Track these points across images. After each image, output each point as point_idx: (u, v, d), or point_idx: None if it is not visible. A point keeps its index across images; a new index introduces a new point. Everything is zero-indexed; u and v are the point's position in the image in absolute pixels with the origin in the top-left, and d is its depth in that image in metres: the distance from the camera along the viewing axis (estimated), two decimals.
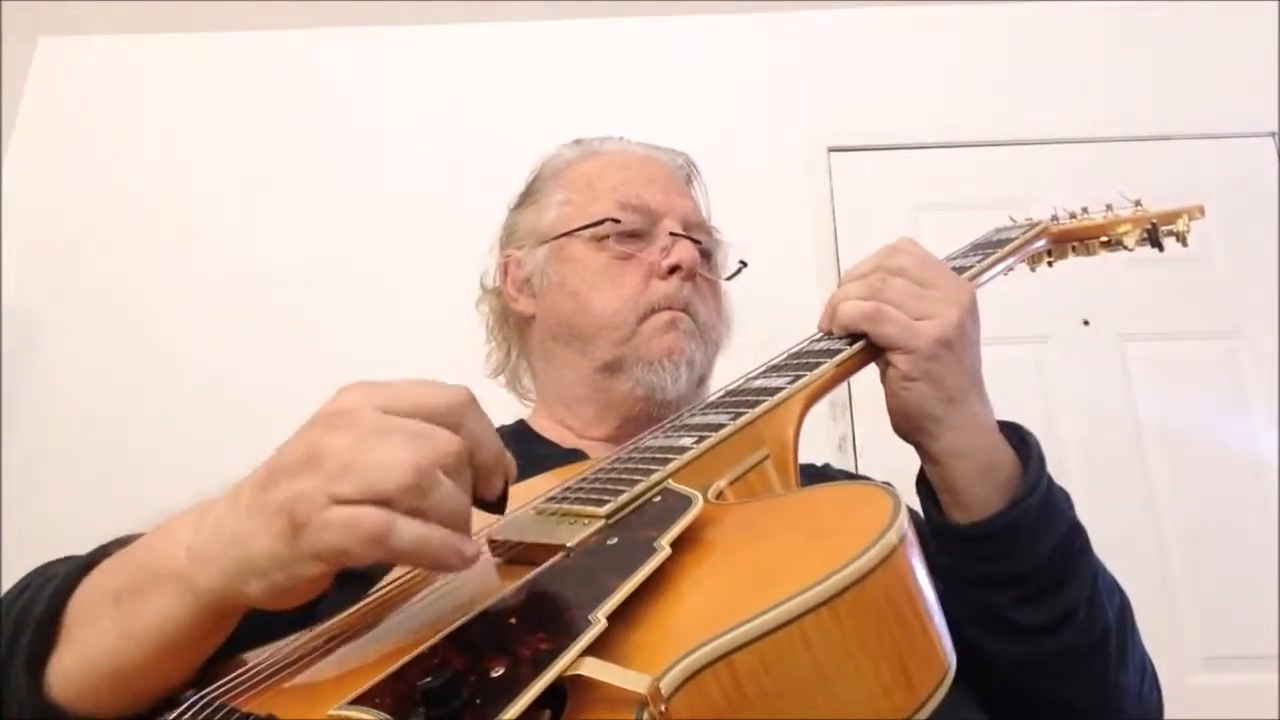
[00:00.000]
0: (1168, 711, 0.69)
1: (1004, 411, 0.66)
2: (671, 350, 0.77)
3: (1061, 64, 2.44)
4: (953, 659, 0.35)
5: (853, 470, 0.85)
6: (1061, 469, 2.02)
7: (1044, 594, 0.60)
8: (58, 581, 0.45)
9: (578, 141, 0.92)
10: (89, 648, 0.42)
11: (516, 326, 0.89)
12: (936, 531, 0.63)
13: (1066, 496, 0.64)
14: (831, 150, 2.38)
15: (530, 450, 0.78)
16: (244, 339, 2.22)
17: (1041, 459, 0.63)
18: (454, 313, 2.19)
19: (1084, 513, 0.68)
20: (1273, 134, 2.33)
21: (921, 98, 2.42)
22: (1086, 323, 2.18)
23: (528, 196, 0.91)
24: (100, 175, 2.38)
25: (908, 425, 0.63)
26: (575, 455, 0.77)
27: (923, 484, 0.66)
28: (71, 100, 2.47)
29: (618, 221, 0.80)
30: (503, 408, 0.90)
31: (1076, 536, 0.62)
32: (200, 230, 2.33)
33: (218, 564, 0.38)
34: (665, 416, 0.78)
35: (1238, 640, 1.93)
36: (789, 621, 0.30)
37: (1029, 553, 0.60)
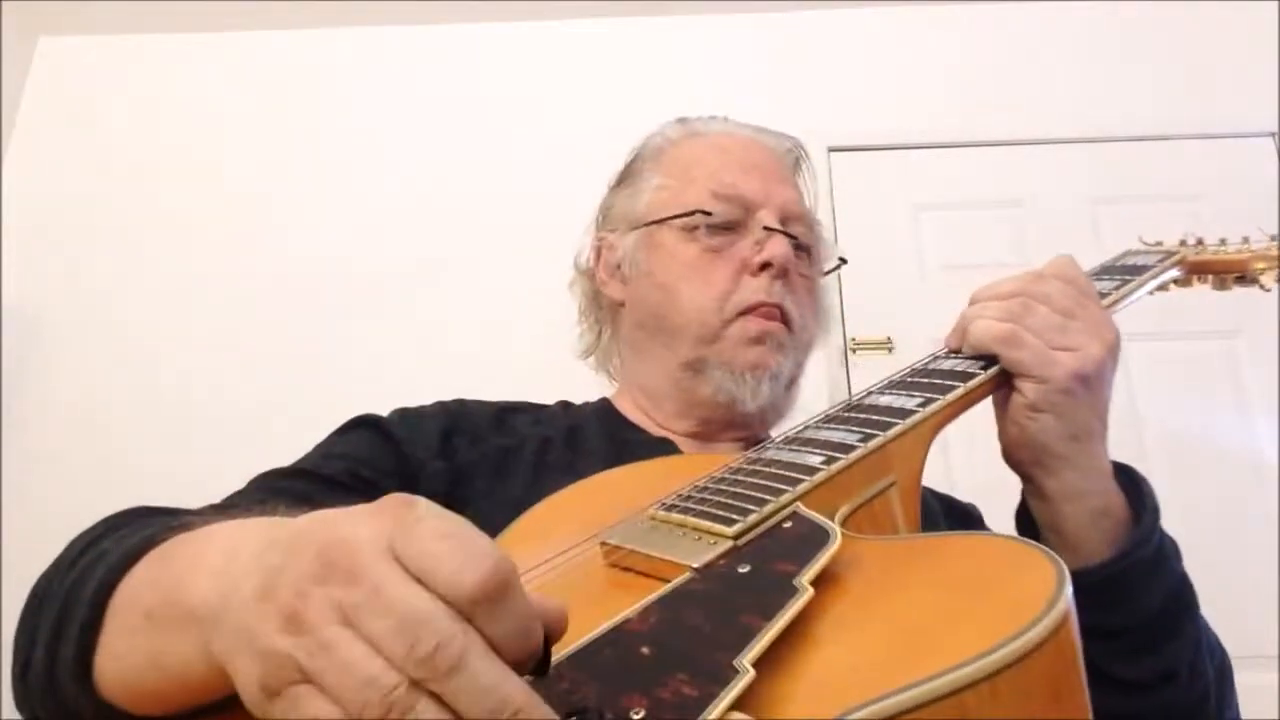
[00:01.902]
0: None
1: None
2: (757, 365, 0.74)
3: (1061, 64, 2.44)
4: None
5: (934, 489, 0.82)
6: None
7: (1147, 649, 0.58)
8: (101, 576, 0.44)
9: (682, 120, 0.88)
10: (125, 665, 0.42)
11: (609, 309, 0.86)
12: None
13: (1176, 549, 0.62)
14: (831, 150, 2.37)
15: (619, 433, 0.77)
16: (244, 339, 2.22)
17: (1156, 509, 0.60)
18: (453, 315, 2.20)
19: None
20: (1273, 134, 2.33)
21: (921, 98, 2.42)
22: None
23: (626, 177, 0.87)
24: (100, 175, 2.38)
25: (1025, 457, 0.60)
26: (664, 444, 0.75)
27: (1023, 520, 0.63)
28: (71, 100, 2.47)
29: (708, 214, 0.77)
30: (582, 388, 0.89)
31: (1185, 592, 0.60)
32: (200, 230, 2.33)
33: (226, 641, 0.35)
34: (747, 424, 0.76)
35: (1238, 640, 1.92)
36: (950, 694, 0.29)
37: (1136, 605, 0.57)
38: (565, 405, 0.84)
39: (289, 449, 0.74)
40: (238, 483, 0.66)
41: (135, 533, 0.47)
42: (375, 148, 2.42)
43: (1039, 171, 2.32)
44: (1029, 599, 0.33)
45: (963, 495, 0.82)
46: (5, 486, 2.04)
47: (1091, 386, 0.58)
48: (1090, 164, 2.32)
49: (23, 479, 2.07)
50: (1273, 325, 2.14)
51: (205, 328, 2.23)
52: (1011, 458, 0.61)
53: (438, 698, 0.29)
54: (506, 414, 0.79)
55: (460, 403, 0.79)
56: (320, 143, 2.43)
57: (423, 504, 0.33)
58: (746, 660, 0.32)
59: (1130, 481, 0.62)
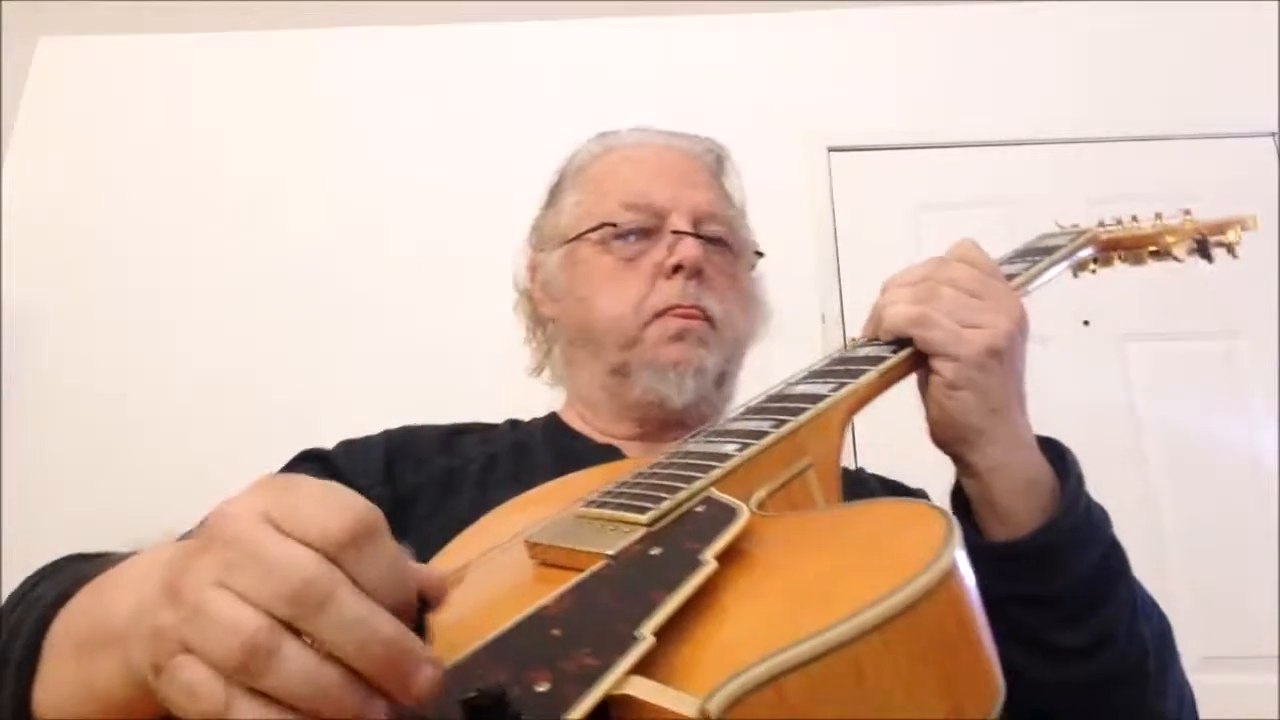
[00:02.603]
0: None
1: None
2: (678, 362, 0.75)
3: (1061, 64, 2.44)
4: (1003, 683, 0.34)
5: (884, 476, 0.83)
6: None
7: (1081, 615, 0.59)
8: (35, 616, 0.45)
9: (602, 135, 0.90)
10: (61, 697, 0.42)
11: (550, 327, 0.88)
12: (971, 548, 0.61)
13: (1105, 515, 0.63)
14: (831, 150, 2.38)
15: (567, 444, 0.79)
16: (243, 339, 2.22)
17: (1080, 477, 0.62)
18: (453, 315, 2.20)
19: None
20: (1273, 134, 2.33)
21: (921, 98, 2.42)
22: (1086, 323, 2.18)
23: (551, 196, 0.90)
24: (100, 175, 2.38)
25: (949, 435, 0.62)
26: (610, 451, 0.77)
27: (958, 500, 0.65)
28: (71, 100, 2.47)
29: (615, 226, 0.79)
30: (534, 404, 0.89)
31: (1115, 557, 0.61)
32: (200, 229, 2.33)
33: (136, 642, 0.35)
34: (682, 421, 0.76)
35: (1238, 640, 1.93)
36: (840, 646, 0.30)
37: (1066, 572, 0.59)
38: (513, 423, 0.86)
39: (288, 447, 0.74)
40: (236, 481, 0.66)
41: (71, 575, 0.47)
42: (375, 147, 2.42)
43: (1039, 171, 2.32)
44: (917, 552, 0.34)
45: None
46: (5, 486, 2.05)
47: (1004, 360, 0.60)
48: (1090, 164, 2.32)
49: (23, 479, 2.07)
50: (1273, 325, 2.14)
51: (205, 327, 2.24)
52: (937, 438, 0.64)
53: (305, 644, 0.30)
54: (454, 436, 0.80)
55: (406, 429, 0.81)
56: (320, 143, 2.43)
57: (303, 477, 0.35)
58: (646, 629, 0.33)
59: (1056, 454, 0.64)
